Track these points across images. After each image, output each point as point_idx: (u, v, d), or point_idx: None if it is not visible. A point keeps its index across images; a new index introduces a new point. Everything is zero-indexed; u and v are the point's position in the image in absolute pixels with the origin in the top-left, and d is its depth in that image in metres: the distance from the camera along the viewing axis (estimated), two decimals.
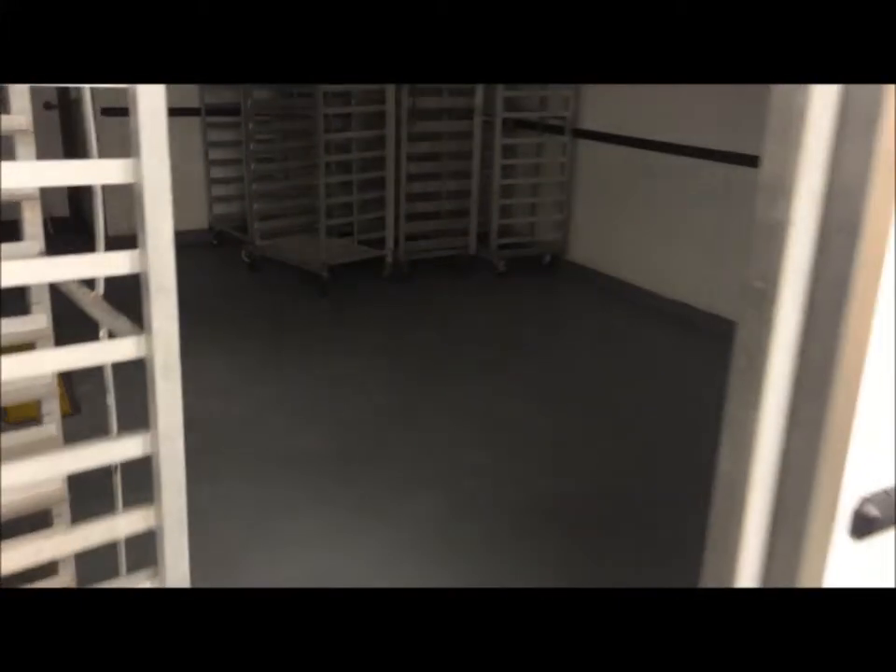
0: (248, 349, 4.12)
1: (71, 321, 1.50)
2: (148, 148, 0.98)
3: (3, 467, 1.01)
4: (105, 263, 1.05)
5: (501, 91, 5.02)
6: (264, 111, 5.68)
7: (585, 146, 5.24)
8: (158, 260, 1.04)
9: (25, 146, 1.56)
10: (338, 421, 3.34)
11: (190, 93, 5.61)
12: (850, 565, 0.90)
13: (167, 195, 1.02)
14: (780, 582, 0.89)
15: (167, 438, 1.13)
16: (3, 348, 1.28)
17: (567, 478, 2.97)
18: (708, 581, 0.94)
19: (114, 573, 1.64)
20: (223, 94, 5.60)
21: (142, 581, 1.21)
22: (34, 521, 1.84)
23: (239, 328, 4.42)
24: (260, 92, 5.59)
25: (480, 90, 5.10)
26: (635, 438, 3.29)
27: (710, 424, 3.63)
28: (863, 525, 0.87)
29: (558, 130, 5.33)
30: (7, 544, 1.08)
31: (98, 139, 1.39)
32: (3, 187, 0.92)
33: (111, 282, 1.25)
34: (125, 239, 1.10)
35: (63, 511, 1.82)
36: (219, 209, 5.92)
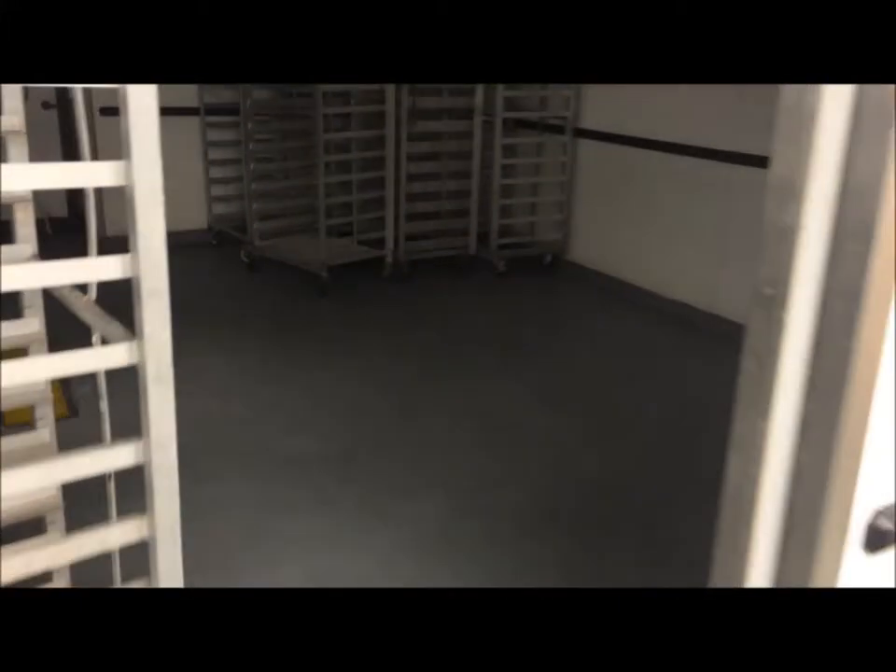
0: (248, 349, 4.10)
1: (67, 324, 1.47)
2: (139, 150, 0.95)
3: None
4: (96, 268, 1.02)
5: (501, 91, 4.99)
6: (263, 111, 5.65)
7: (586, 145, 5.22)
8: (150, 264, 1.01)
9: (17, 147, 1.54)
10: (338, 421, 3.32)
11: (189, 93, 5.58)
12: (863, 579, 0.88)
13: (159, 197, 0.99)
14: None
15: (159, 446, 1.11)
16: None
17: (568, 478, 2.94)
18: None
19: (109, 580, 1.61)
20: (222, 94, 5.57)
21: None
22: (28, 528, 1.82)
23: (238, 328, 4.40)
24: (260, 92, 5.56)
25: (480, 89, 5.07)
26: (635, 438, 3.26)
27: (710, 424, 3.62)
28: (877, 539, 0.85)
29: (559, 129, 5.30)
30: None
31: (95, 139, 1.36)
32: None
33: (108, 284, 1.22)
34: (125, 239, 1.07)
35: (57, 518, 1.79)
36: (219, 209, 5.89)
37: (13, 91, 1.50)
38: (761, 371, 0.83)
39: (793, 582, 0.87)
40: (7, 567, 1.05)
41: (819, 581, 0.85)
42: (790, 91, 0.80)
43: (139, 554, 1.23)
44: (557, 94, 5.26)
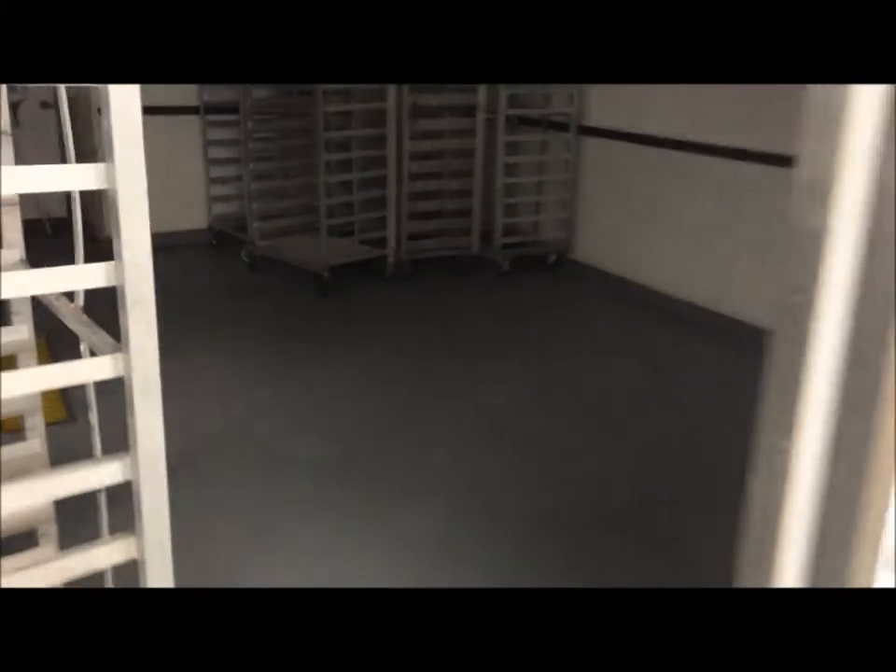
0: (249, 350, 4.05)
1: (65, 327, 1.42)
2: (122, 152, 0.90)
3: None
4: (78, 276, 0.97)
5: (504, 88, 4.93)
6: (264, 109, 5.60)
7: (590, 143, 5.15)
8: (134, 272, 0.95)
9: (3, 148, 1.49)
10: (339, 421, 3.27)
11: (189, 91, 5.54)
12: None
13: (143, 202, 0.93)
14: None
15: (147, 462, 1.05)
16: None
17: (571, 479, 2.89)
18: None
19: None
20: (222, 92, 5.52)
21: None
22: (20, 540, 1.77)
23: (239, 328, 4.35)
24: (260, 90, 5.52)
25: (482, 87, 5.01)
26: (639, 438, 3.21)
27: (715, 425, 3.56)
28: None
29: (562, 127, 5.24)
30: None
31: (93, 139, 1.31)
32: None
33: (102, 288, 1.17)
34: None
35: (50, 530, 1.75)
36: (219, 209, 5.84)
37: None
38: (787, 386, 0.77)
39: None
40: None
41: None
42: (817, 89, 0.74)
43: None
44: (561, 91, 5.20)
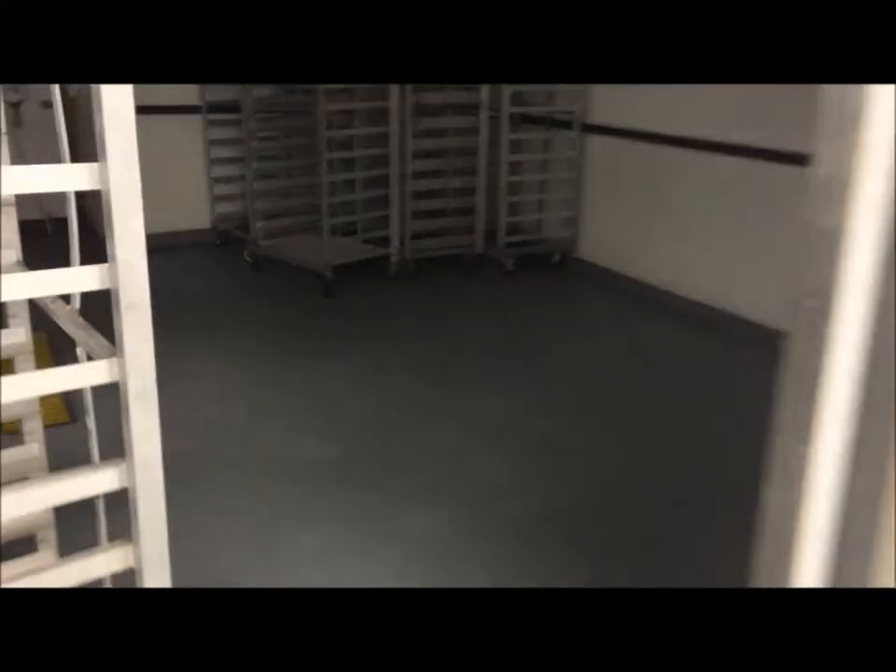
0: (251, 350, 4.03)
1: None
2: (115, 152, 0.87)
3: None
4: (71, 280, 0.94)
5: (507, 86, 4.90)
6: (266, 108, 5.58)
7: (595, 140, 5.12)
8: (128, 275, 0.93)
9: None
10: (342, 425, 3.25)
11: (191, 90, 5.52)
12: None
13: (137, 202, 0.91)
14: None
15: (144, 469, 1.03)
16: None
17: (578, 485, 2.86)
18: None
19: None
20: (224, 92, 5.49)
21: None
22: (19, 545, 1.75)
23: (242, 329, 4.33)
24: (262, 89, 5.49)
25: (486, 85, 4.98)
26: (647, 443, 3.18)
27: (724, 426, 3.52)
28: None
29: (566, 124, 5.20)
30: None
31: (95, 139, 1.28)
32: None
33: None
34: None
35: (49, 536, 1.72)
36: (222, 208, 5.82)
37: None
38: (803, 393, 0.74)
39: None
40: None
41: None
42: (833, 86, 0.72)
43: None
44: (565, 89, 5.17)
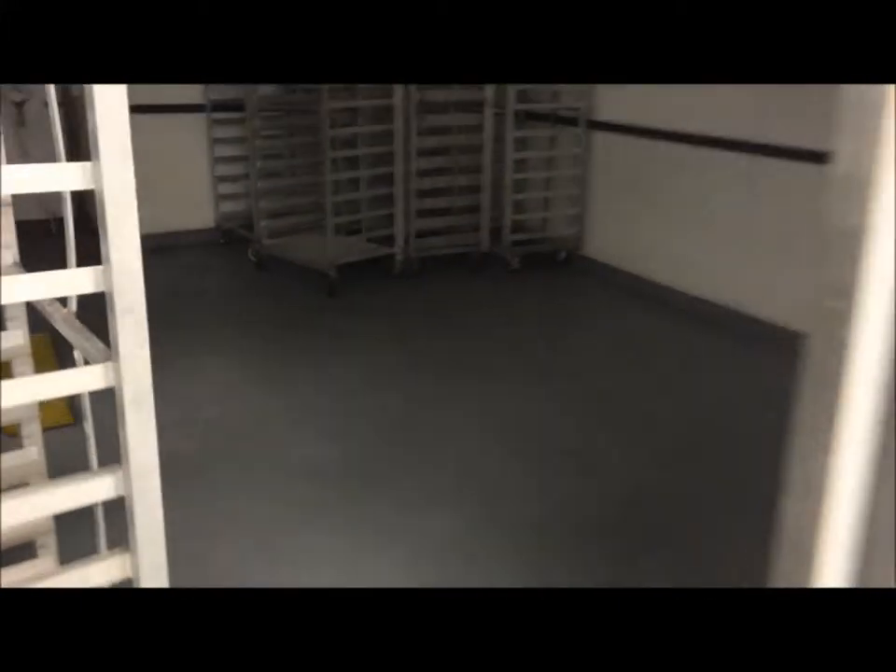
0: (255, 351, 4.00)
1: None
2: (108, 151, 0.84)
3: None
4: (65, 282, 0.92)
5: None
6: (269, 106, 5.55)
7: (600, 137, 5.08)
8: (123, 277, 0.90)
9: None
10: (347, 425, 3.22)
11: (195, 89, 5.50)
12: None
13: (132, 202, 0.88)
14: None
15: (140, 476, 1.00)
16: None
17: (585, 484, 2.83)
18: None
19: None
20: (227, 90, 5.47)
21: None
22: (18, 550, 1.73)
23: (245, 329, 4.31)
24: (265, 88, 5.46)
25: None
26: (659, 442, 3.14)
27: (737, 426, 3.48)
28: None
29: (572, 121, 5.17)
30: None
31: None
32: None
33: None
34: None
35: (48, 541, 1.70)
36: (226, 207, 5.80)
37: None
38: (825, 399, 0.71)
39: None
40: None
41: None
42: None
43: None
44: (570, 86, 5.12)
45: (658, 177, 4.68)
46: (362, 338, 4.19)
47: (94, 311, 1.23)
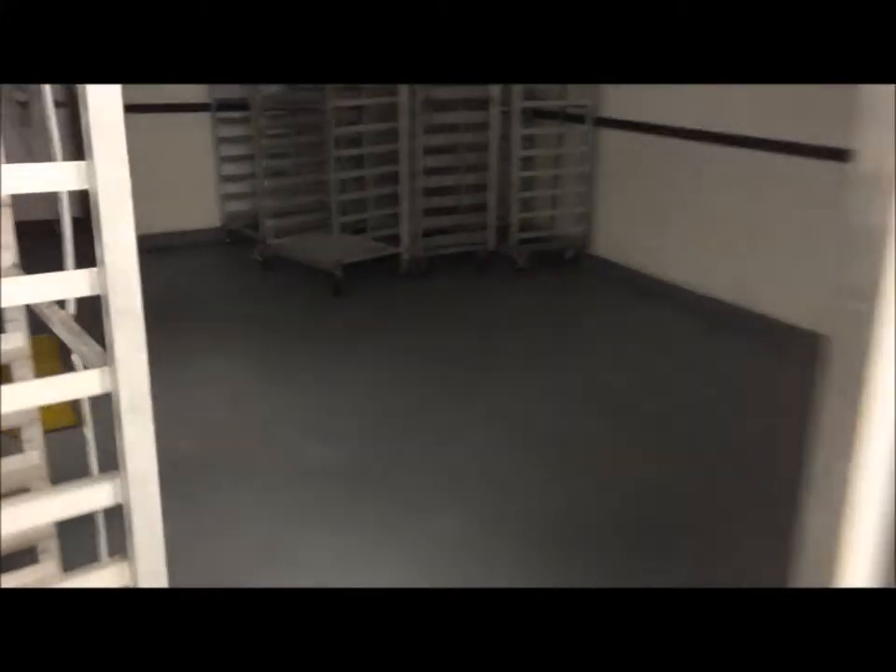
0: (260, 351, 3.98)
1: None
2: (102, 149, 0.82)
3: None
4: (62, 285, 0.89)
5: None
6: (274, 105, 5.53)
7: (608, 135, 5.04)
8: (119, 279, 0.87)
9: None
10: (354, 427, 3.20)
11: (199, 88, 5.48)
12: None
13: (127, 202, 0.85)
14: None
15: (138, 483, 0.98)
16: None
17: (594, 486, 2.80)
18: None
19: None
20: (232, 89, 5.45)
21: None
22: (20, 554, 1.71)
23: (251, 329, 4.29)
24: (270, 87, 5.44)
25: None
26: (668, 443, 3.11)
27: (748, 424, 3.44)
28: None
29: (579, 119, 5.13)
30: None
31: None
32: None
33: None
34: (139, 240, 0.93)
35: (50, 546, 1.68)
36: (232, 207, 5.78)
37: None
38: (848, 406, 0.68)
39: None
40: None
41: None
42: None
43: None
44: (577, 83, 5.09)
45: (666, 175, 4.64)
46: (368, 337, 4.16)
47: (98, 313, 1.21)
